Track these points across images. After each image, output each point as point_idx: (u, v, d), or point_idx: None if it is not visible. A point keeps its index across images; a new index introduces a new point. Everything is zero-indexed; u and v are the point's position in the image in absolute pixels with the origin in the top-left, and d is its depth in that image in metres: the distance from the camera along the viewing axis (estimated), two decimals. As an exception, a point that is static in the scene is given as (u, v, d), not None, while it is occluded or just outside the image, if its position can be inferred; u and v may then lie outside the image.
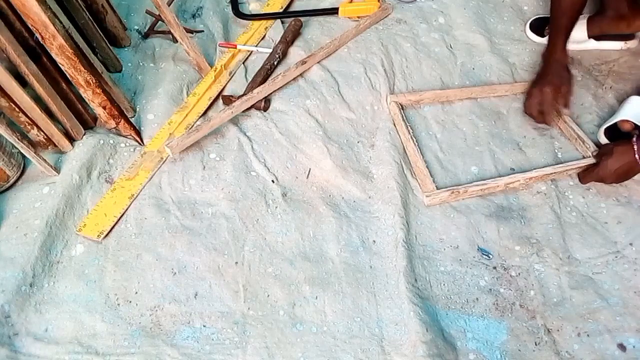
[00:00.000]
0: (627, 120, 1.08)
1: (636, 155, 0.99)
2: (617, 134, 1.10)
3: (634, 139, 1.01)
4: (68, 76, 1.03)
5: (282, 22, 1.45)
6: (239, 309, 0.91)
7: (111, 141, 1.12)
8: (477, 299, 0.93)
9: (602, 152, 1.08)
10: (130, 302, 0.91)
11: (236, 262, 0.96)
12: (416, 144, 1.12)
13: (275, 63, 1.31)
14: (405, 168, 1.11)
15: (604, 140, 1.14)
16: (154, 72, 1.30)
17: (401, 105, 1.22)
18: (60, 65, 1.00)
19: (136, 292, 0.92)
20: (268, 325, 0.89)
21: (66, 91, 1.09)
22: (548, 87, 1.15)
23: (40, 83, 1.00)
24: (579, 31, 1.33)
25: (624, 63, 1.33)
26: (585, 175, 1.08)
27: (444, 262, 0.97)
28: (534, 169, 1.10)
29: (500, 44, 1.38)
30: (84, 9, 1.16)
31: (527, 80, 1.30)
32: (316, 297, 0.92)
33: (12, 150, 1.03)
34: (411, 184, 1.09)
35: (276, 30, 1.41)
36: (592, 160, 1.09)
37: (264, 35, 1.42)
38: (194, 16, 1.49)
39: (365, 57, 1.32)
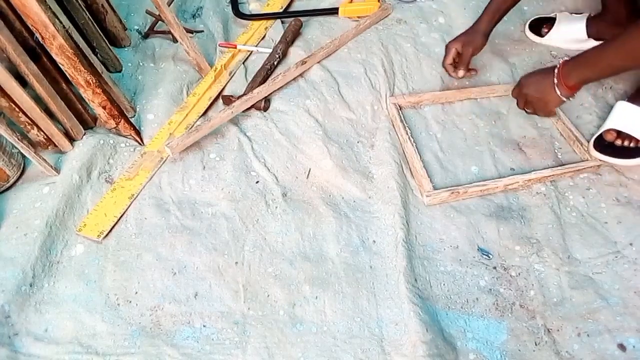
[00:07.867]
0: (609, 131, 1.09)
1: (555, 76, 1.01)
2: (605, 143, 1.10)
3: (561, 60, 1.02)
4: (68, 76, 1.03)
5: (282, 22, 1.45)
6: (239, 309, 0.91)
7: (111, 141, 1.12)
8: (477, 299, 0.93)
9: None
10: (130, 302, 0.91)
11: (236, 262, 0.96)
12: (414, 145, 1.12)
13: (275, 63, 1.31)
14: (405, 168, 1.11)
15: (594, 153, 1.10)
16: (154, 72, 1.30)
17: (400, 107, 1.22)
18: (60, 65, 1.00)
19: (136, 292, 0.92)
20: (268, 325, 0.89)
21: (66, 91, 1.09)
22: (456, 44, 1.22)
23: (40, 83, 1.00)
24: (579, 31, 1.33)
25: (624, 63, 1.33)
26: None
27: (444, 262, 0.97)
28: (534, 169, 1.10)
29: (500, 44, 1.38)
30: (84, 9, 1.17)
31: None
32: (316, 297, 0.92)
33: (12, 150, 1.03)
34: (411, 184, 1.09)
35: (276, 30, 1.41)
36: (591, 163, 1.09)
37: (264, 35, 1.42)
38: (194, 16, 1.49)
39: (365, 57, 1.32)
